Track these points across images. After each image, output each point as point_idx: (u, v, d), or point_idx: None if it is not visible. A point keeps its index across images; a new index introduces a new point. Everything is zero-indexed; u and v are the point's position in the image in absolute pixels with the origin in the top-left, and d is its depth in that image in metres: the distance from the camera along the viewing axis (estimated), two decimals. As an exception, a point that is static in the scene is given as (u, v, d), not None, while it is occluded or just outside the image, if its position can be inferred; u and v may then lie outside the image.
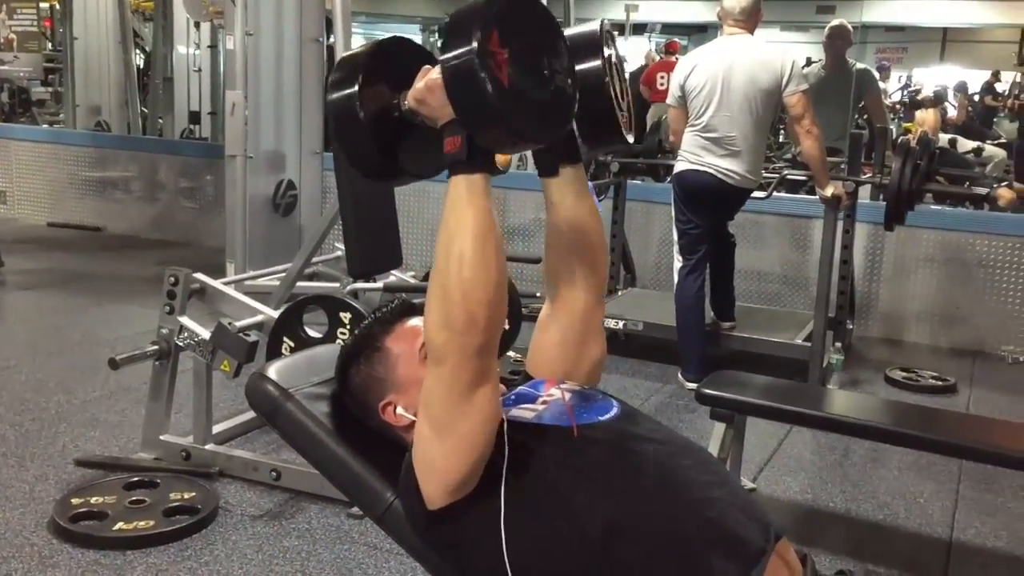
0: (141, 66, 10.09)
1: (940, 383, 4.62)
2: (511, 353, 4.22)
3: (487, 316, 1.26)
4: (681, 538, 1.31)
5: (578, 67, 1.46)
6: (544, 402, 1.46)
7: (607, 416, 1.45)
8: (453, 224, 1.28)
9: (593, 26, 1.57)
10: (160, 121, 9.21)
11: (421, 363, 1.50)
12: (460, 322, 1.25)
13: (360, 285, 3.21)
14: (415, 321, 1.56)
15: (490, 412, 1.30)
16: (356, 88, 1.37)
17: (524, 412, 1.42)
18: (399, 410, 1.49)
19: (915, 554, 2.95)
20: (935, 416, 3.13)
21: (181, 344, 3.20)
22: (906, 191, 4.42)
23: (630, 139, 1.57)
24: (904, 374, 4.69)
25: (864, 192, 5.27)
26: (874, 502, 3.26)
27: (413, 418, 1.47)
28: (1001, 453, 2.66)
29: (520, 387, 1.55)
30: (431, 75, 1.31)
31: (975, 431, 2.94)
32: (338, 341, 2.91)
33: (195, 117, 9.47)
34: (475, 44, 1.21)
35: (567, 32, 1.47)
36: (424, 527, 1.37)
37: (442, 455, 1.29)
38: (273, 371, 1.58)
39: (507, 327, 3.99)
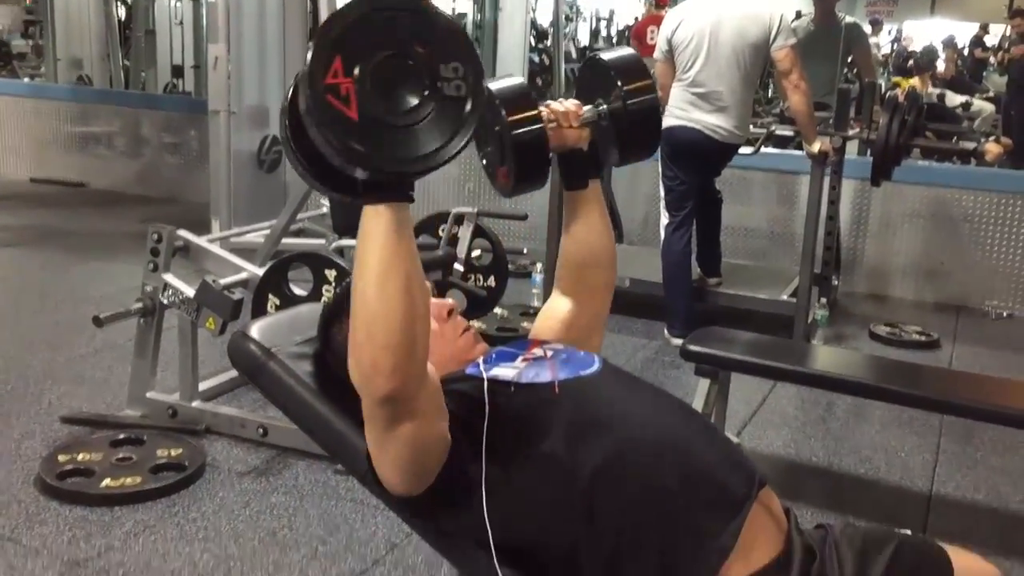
0: (123, 19, 9.93)
1: (924, 338, 4.65)
2: (497, 310, 4.23)
3: (392, 363, 1.16)
4: (663, 488, 1.31)
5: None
6: (526, 360, 1.46)
7: (588, 371, 1.45)
8: (358, 258, 1.18)
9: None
10: (143, 75, 9.09)
11: None
12: (365, 365, 1.19)
13: (345, 242, 3.20)
14: None
15: (417, 444, 1.27)
16: None
17: (506, 371, 1.42)
18: (382, 367, 1.49)
19: (896, 507, 2.99)
20: (917, 372, 3.16)
21: (166, 302, 3.19)
22: (893, 146, 4.41)
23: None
24: (888, 329, 4.71)
25: (852, 147, 5.26)
26: (856, 456, 3.30)
27: None
28: (981, 408, 2.69)
29: (503, 346, 1.55)
30: None
31: (956, 386, 2.97)
32: (323, 299, 2.90)
33: (178, 71, 9.35)
34: (308, 81, 1.04)
35: None
36: (397, 501, 1.38)
37: (383, 464, 1.31)
38: (256, 330, 1.58)
39: (493, 284, 4.01)
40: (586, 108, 1.57)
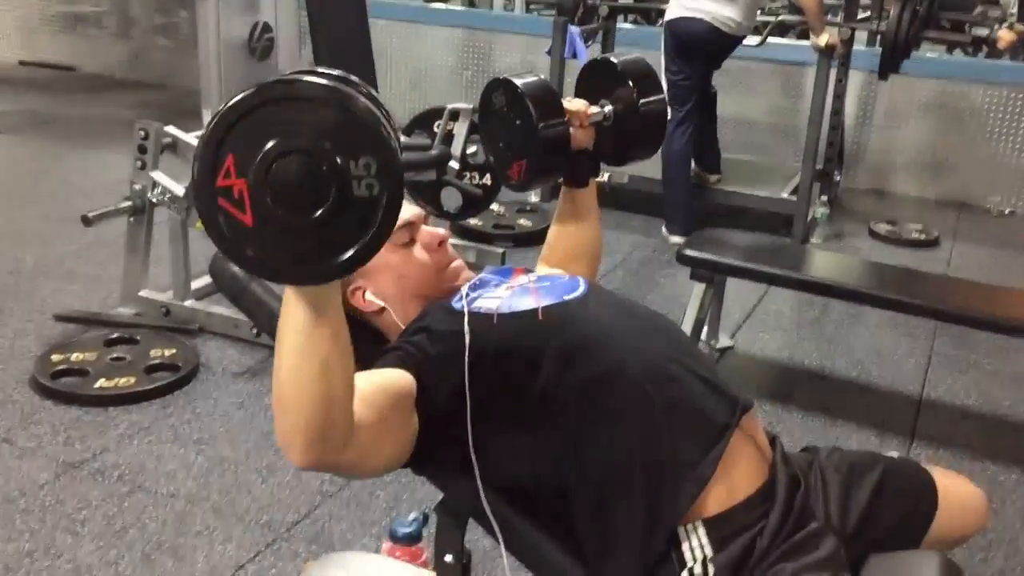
0: None
1: (923, 237, 4.62)
2: (494, 207, 4.18)
3: (303, 442, 1.06)
4: (647, 417, 1.30)
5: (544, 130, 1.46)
6: (509, 288, 1.43)
7: (573, 295, 1.42)
8: (279, 331, 1.07)
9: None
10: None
11: (392, 248, 1.46)
12: (280, 434, 1.10)
13: (335, 142, 3.12)
14: None
15: (369, 465, 1.23)
16: None
17: (489, 302, 1.39)
18: (368, 295, 1.46)
19: (886, 411, 3.01)
20: (913, 278, 3.13)
21: (155, 200, 3.14)
22: (903, 39, 4.28)
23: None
24: (888, 227, 4.67)
25: (860, 36, 5.11)
26: (849, 359, 3.31)
27: (382, 304, 1.45)
28: (976, 316, 2.69)
29: (487, 273, 1.52)
30: None
31: (952, 293, 2.95)
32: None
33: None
34: (196, 183, 0.93)
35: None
36: None
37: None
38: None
39: (489, 182, 3.94)
40: (592, 108, 1.60)
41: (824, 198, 4.66)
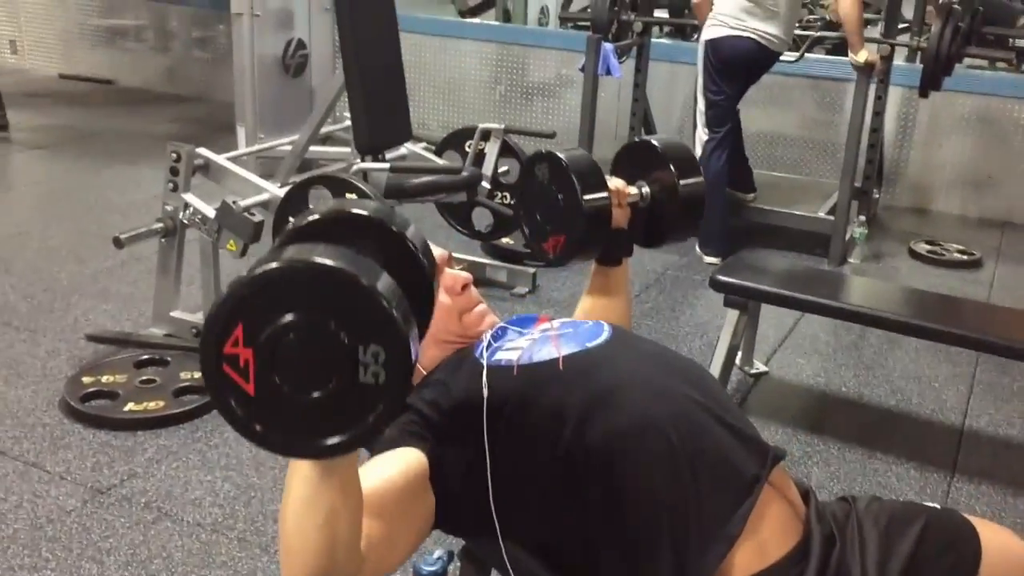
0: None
1: (965, 257, 4.52)
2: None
3: None
4: (673, 471, 1.25)
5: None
6: (531, 339, 1.39)
7: (596, 342, 1.38)
8: (288, 475, 1.06)
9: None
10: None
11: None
12: (285, 573, 1.08)
13: (366, 165, 3.11)
14: None
15: (385, 563, 1.18)
16: None
17: (509, 353, 1.35)
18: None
19: (926, 441, 2.93)
20: (954, 306, 3.05)
21: (186, 222, 3.14)
22: (945, 56, 4.20)
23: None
24: (928, 247, 4.58)
25: (899, 51, 5.02)
26: (888, 387, 3.23)
27: None
28: (1017, 347, 2.60)
29: (511, 321, 1.48)
30: None
31: (994, 322, 2.87)
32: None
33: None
34: (204, 346, 0.92)
35: None
36: None
37: None
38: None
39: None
40: (630, 189, 1.62)
41: (862, 217, 4.58)
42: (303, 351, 0.90)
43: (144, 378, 2.95)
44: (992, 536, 1.45)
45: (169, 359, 3.07)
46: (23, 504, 2.38)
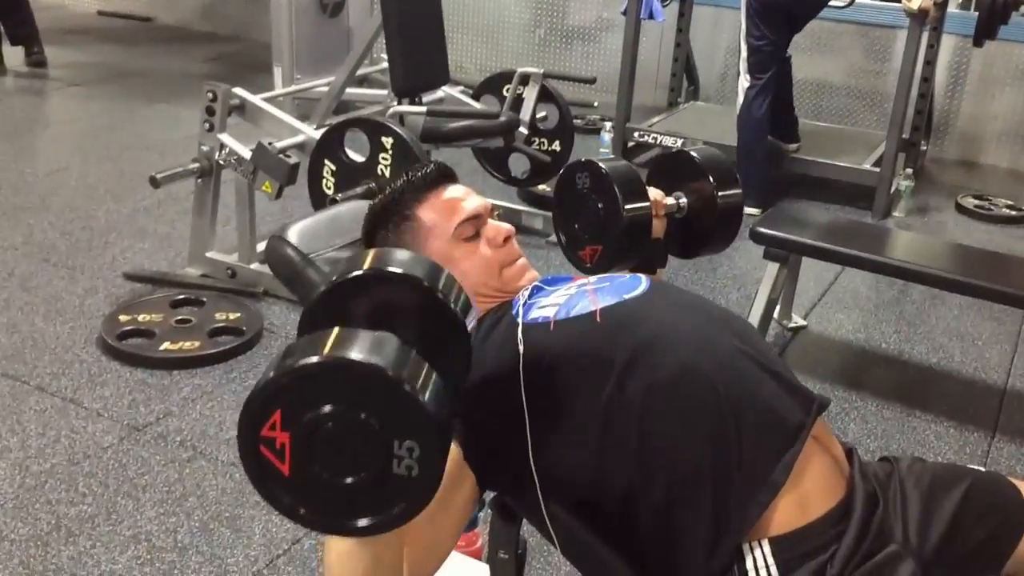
0: None
1: (1014, 212, 4.40)
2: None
3: None
4: (715, 418, 1.23)
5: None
6: (567, 295, 1.36)
7: (633, 293, 1.35)
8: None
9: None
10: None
11: (456, 242, 1.40)
12: None
13: (403, 108, 3.07)
14: (452, 192, 1.45)
15: (434, 562, 1.20)
16: None
17: (546, 310, 1.32)
18: (427, 286, 1.40)
19: (967, 400, 2.88)
20: (1000, 262, 2.97)
21: (222, 162, 3.13)
22: (1001, 2, 4.06)
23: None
24: (976, 202, 4.46)
25: (953, -1, 4.86)
26: (929, 343, 3.17)
27: None
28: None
29: (544, 280, 1.44)
30: None
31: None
32: (379, 168, 2.81)
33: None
34: (242, 427, 0.94)
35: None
36: None
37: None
38: (294, 233, 1.50)
39: (558, 148, 3.84)
40: (668, 199, 1.62)
41: (909, 170, 4.46)
42: (339, 439, 0.93)
43: (180, 318, 2.96)
44: (1038, 499, 1.41)
45: (204, 299, 3.08)
46: (61, 439, 2.41)
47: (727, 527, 1.21)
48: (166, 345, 2.81)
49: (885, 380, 2.97)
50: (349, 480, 0.94)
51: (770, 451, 1.23)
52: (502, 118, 3.18)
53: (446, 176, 1.49)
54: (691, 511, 1.22)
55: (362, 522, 0.96)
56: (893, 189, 4.29)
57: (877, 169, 4.26)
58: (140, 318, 2.94)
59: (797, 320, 3.20)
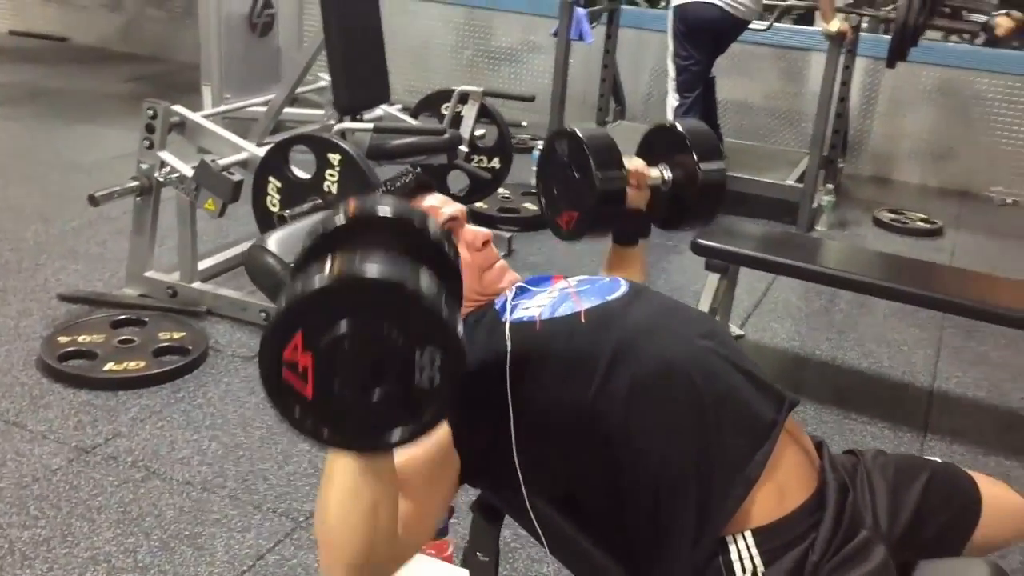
0: None
1: (928, 226, 4.62)
2: (500, 190, 4.14)
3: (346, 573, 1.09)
4: (695, 411, 1.28)
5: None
6: (551, 296, 1.40)
7: (614, 295, 1.40)
8: (326, 469, 1.09)
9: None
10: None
11: None
12: (324, 564, 1.12)
13: (348, 125, 3.08)
14: (431, 200, 1.48)
15: (418, 538, 1.22)
16: None
17: (531, 310, 1.36)
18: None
19: (898, 402, 3.01)
20: (923, 269, 3.13)
21: (162, 180, 3.09)
22: (912, 26, 4.27)
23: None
24: (892, 216, 4.67)
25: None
26: (859, 350, 3.30)
27: None
28: (985, 309, 2.69)
29: (527, 281, 1.48)
30: None
31: (958, 285, 2.95)
32: (326, 185, 2.82)
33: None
34: (264, 351, 0.95)
35: None
36: None
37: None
38: (273, 243, 1.50)
39: (497, 165, 3.91)
40: (652, 171, 1.62)
41: (830, 185, 4.65)
42: (361, 355, 0.94)
43: (122, 338, 2.90)
44: (989, 487, 1.50)
45: (146, 319, 3.03)
46: (7, 463, 2.34)
47: (708, 520, 1.26)
48: (110, 366, 2.76)
49: (821, 385, 3.09)
50: (372, 396, 0.95)
51: (746, 446, 1.28)
52: (446, 135, 3.22)
53: (425, 185, 1.52)
54: (677, 505, 1.27)
55: (395, 436, 0.98)
56: (815, 204, 4.46)
57: (800, 185, 4.42)
58: (80, 339, 2.88)
59: (735, 330, 3.30)
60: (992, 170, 5.25)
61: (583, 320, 1.34)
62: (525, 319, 1.35)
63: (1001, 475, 2.56)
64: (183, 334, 2.96)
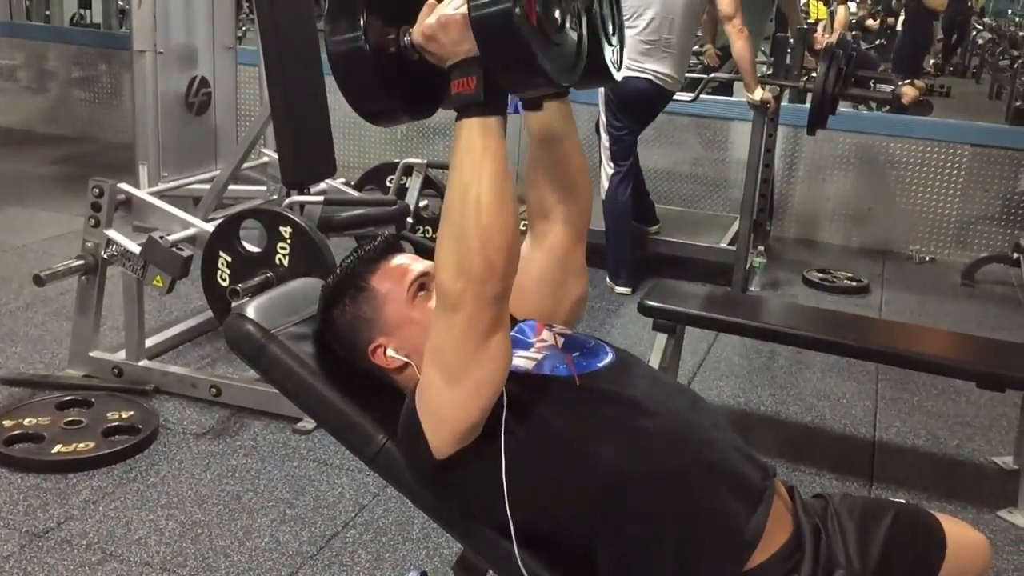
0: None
1: (855, 284, 4.80)
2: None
3: (505, 262, 1.23)
4: (686, 481, 1.33)
5: None
6: (539, 349, 1.45)
7: (604, 362, 1.45)
8: (468, 170, 1.23)
9: None
10: (47, 9, 8.62)
11: (410, 303, 1.46)
12: (478, 270, 1.21)
13: (299, 198, 3.11)
14: (400, 259, 1.52)
15: (504, 358, 1.28)
16: (361, 25, 1.28)
17: (522, 361, 1.40)
18: (389, 352, 1.45)
19: (843, 453, 3.10)
20: (856, 322, 3.26)
21: (108, 258, 3.07)
22: (830, 95, 4.49)
23: (618, 76, 1.51)
24: (821, 275, 4.84)
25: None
26: (801, 404, 3.40)
27: (404, 360, 1.44)
28: (915, 358, 2.82)
29: (513, 330, 1.53)
30: (443, 10, 1.23)
31: (889, 336, 3.08)
32: (277, 258, 2.83)
33: (85, 1, 8.88)
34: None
35: None
36: (427, 475, 1.36)
37: (452, 403, 1.27)
38: (252, 310, 1.52)
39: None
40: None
41: (760, 248, 4.81)
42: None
43: (69, 419, 2.84)
44: (951, 525, 1.57)
45: (93, 400, 2.97)
46: (-45, 552, 2.27)
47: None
48: (58, 448, 2.70)
49: (767, 440, 3.17)
50: (565, 25, 1.27)
51: (742, 510, 1.35)
52: (395, 206, 3.27)
53: (395, 246, 1.56)
54: (653, 562, 1.32)
55: (566, 71, 1.29)
56: (748, 265, 4.60)
57: (732, 248, 4.57)
58: (26, 422, 2.81)
59: (682, 389, 3.37)
60: (910, 229, 5.49)
61: (578, 383, 1.39)
62: (520, 370, 1.38)
63: (947, 518, 2.66)
64: (132, 413, 2.91)
